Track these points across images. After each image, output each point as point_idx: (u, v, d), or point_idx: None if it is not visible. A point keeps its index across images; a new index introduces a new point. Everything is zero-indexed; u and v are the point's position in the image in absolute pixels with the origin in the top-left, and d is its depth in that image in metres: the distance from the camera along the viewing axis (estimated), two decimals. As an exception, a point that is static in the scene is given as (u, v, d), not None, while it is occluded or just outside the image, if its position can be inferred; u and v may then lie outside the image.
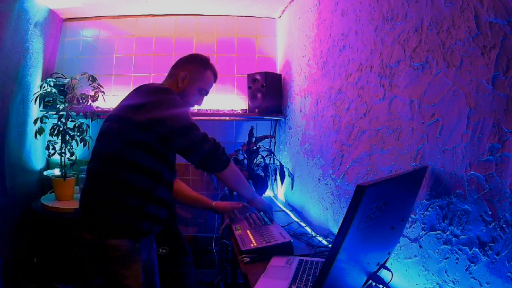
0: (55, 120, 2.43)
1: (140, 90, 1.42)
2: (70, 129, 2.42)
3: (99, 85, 2.49)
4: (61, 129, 2.39)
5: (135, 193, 1.33)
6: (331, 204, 1.83)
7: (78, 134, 2.44)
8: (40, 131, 2.38)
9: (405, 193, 0.95)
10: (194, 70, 1.55)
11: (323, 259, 0.82)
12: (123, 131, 1.34)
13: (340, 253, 0.72)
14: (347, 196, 1.67)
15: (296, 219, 2.09)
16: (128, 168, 1.32)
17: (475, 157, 0.93)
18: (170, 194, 1.51)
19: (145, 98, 1.36)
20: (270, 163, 2.74)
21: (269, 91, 2.76)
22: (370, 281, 1.00)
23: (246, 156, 2.57)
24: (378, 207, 0.78)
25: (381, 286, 1.03)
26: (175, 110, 1.36)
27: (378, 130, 1.40)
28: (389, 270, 1.05)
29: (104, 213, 1.33)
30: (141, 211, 1.35)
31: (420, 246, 1.13)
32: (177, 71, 1.56)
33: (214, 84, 1.64)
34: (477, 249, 0.91)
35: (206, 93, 1.60)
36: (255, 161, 2.59)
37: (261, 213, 1.77)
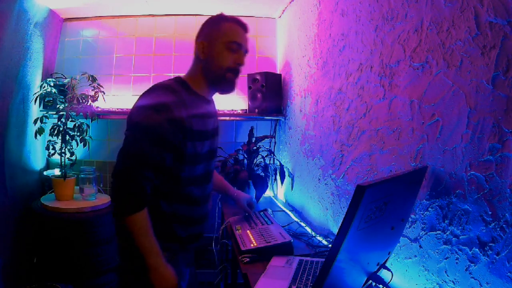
0: (55, 120, 2.43)
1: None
2: (70, 129, 2.42)
3: (99, 85, 2.49)
4: (61, 129, 2.39)
5: (156, 216, 1.21)
6: (331, 204, 1.83)
7: (78, 134, 2.44)
8: (40, 131, 2.38)
9: (405, 193, 0.95)
10: (210, 32, 1.30)
11: (323, 259, 0.82)
12: None
13: (340, 253, 0.72)
14: (347, 196, 1.67)
15: (296, 219, 2.09)
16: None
17: (475, 157, 0.93)
18: (198, 209, 1.34)
19: (135, 108, 1.22)
20: (270, 163, 2.74)
21: (269, 91, 2.76)
22: (370, 281, 1.00)
23: (246, 156, 2.57)
24: (378, 207, 0.78)
25: (381, 286, 1.03)
26: (136, 126, 1.16)
27: (378, 130, 1.40)
28: (389, 270, 1.05)
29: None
30: (166, 233, 1.26)
31: (420, 246, 1.13)
32: (195, 46, 1.31)
33: (247, 35, 1.33)
34: (477, 249, 0.91)
35: (239, 45, 1.28)
36: (255, 161, 2.59)
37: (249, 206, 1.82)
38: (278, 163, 2.67)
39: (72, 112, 2.40)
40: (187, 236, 1.32)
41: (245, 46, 1.32)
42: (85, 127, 2.47)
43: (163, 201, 1.24)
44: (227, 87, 1.31)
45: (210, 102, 1.38)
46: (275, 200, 2.75)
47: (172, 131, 1.16)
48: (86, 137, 2.46)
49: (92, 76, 2.46)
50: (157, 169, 1.16)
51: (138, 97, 1.24)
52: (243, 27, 1.32)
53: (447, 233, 1.02)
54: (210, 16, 1.35)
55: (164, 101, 1.16)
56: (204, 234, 1.45)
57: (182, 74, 1.36)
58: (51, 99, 2.56)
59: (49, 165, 2.83)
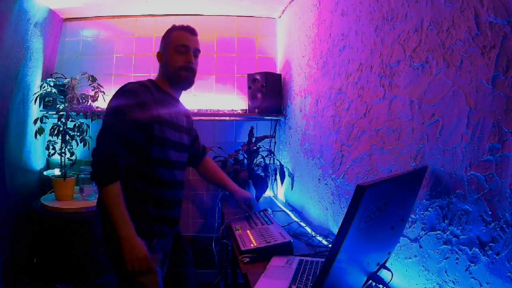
0: (55, 120, 2.43)
1: None
2: (70, 129, 2.42)
3: (99, 85, 2.49)
4: (61, 129, 2.39)
5: (132, 195, 1.38)
6: (331, 204, 1.83)
7: (78, 134, 2.44)
8: (40, 131, 2.38)
9: (405, 193, 0.95)
10: (162, 43, 1.54)
11: (323, 259, 0.82)
12: None
13: (340, 253, 0.72)
14: (347, 196, 1.67)
15: (296, 219, 2.09)
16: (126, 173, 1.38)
17: (475, 157, 0.93)
18: (169, 192, 1.49)
19: (109, 100, 1.43)
20: (270, 163, 2.74)
21: (269, 91, 2.76)
22: (370, 281, 1.00)
23: (246, 156, 2.57)
24: (378, 207, 0.78)
25: (381, 286, 1.03)
26: (109, 111, 1.37)
27: (378, 130, 1.40)
28: (389, 270, 1.05)
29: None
30: (139, 211, 1.39)
31: (420, 246, 1.13)
32: (157, 53, 1.56)
33: (195, 37, 1.54)
34: (477, 249, 0.91)
35: (186, 48, 1.49)
36: (255, 161, 2.59)
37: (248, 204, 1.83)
38: (278, 163, 2.67)
39: (72, 112, 2.40)
40: (160, 216, 1.44)
41: (193, 47, 1.51)
42: (85, 127, 2.47)
43: (138, 182, 1.40)
44: (184, 83, 1.53)
45: (178, 101, 1.58)
46: (275, 200, 2.75)
47: (141, 112, 1.35)
48: (86, 137, 2.46)
49: (92, 76, 2.46)
50: (129, 147, 1.33)
51: (116, 90, 1.43)
52: (190, 31, 1.52)
53: (447, 233, 1.02)
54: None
55: (134, 89, 1.38)
56: (179, 221, 1.58)
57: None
58: (51, 99, 2.57)
59: (49, 165, 2.83)
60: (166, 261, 1.57)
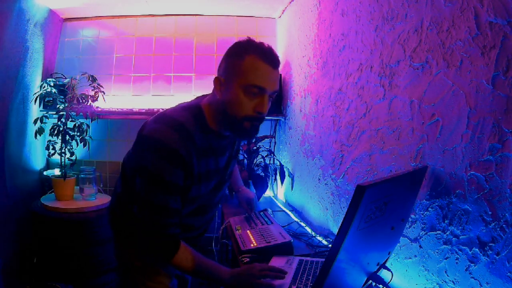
0: (55, 120, 2.43)
1: (137, 138, 1.14)
2: (70, 129, 2.42)
3: (99, 85, 2.49)
4: (61, 129, 2.39)
5: None
6: (331, 204, 1.83)
7: (78, 134, 2.44)
8: (40, 131, 2.38)
9: (405, 193, 0.95)
10: (229, 66, 1.07)
11: (323, 259, 0.82)
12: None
13: (340, 253, 0.72)
14: (347, 196, 1.67)
15: (296, 219, 2.09)
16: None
17: (475, 157, 0.93)
18: (196, 231, 1.32)
19: (132, 153, 1.17)
20: (270, 163, 2.74)
21: (269, 91, 2.75)
22: (370, 281, 1.00)
23: (246, 156, 2.57)
24: (378, 207, 0.78)
25: (381, 286, 1.03)
26: (149, 176, 1.04)
27: (378, 130, 1.40)
28: (389, 270, 1.05)
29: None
30: None
31: (420, 246, 1.13)
32: (215, 78, 1.10)
33: (275, 73, 1.08)
34: (477, 249, 0.91)
35: (261, 89, 1.04)
36: (255, 161, 2.59)
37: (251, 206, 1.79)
38: (278, 163, 2.67)
39: (72, 112, 2.40)
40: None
41: (270, 89, 1.06)
42: (85, 127, 2.47)
43: None
44: (244, 136, 1.13)
45: (225, 137, 1.19)
46: (275, 200, 2.75)
47: (184, 178, 1.06)
48: (86, 137, 2.46)
49: (92, 76, 2.46)
50: (176, 213, 1.10)
51: (150, 123, 1.10)
52: (272, 63, 1.06)
53: (447, 233, 1.02)
54: (238, 42, 1.10)
55: (175, 150, 1.02)
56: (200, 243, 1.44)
57: (205, 93, 1.21)
58: (51, 99, 2.57)
59: (49, 165, 2.83)
60: (186, 278, 1.50)
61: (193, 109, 1.12)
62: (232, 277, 1.16)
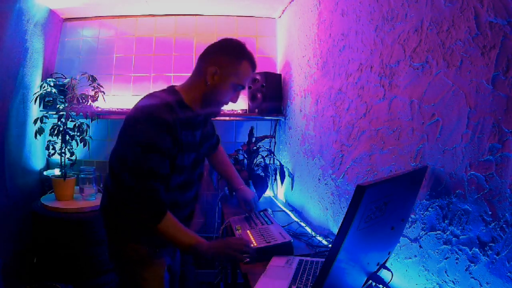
0: (55, 120, 2.43)
1: (123, 124, 1.29)
2: (70, 129, 2.42)
3: (99, 85, 2.49)
4: (61, 129, 2.39)
5: None
6: (331, 204, 1.83)
7: (78, 134, 2.44)
8: (40, 131, 2.38)
9: (405, 193, 0.95)
10: (226, 63, 1.30)
11: (323, 259, 0.82)
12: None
13: (340, 253, 0.72)
14: (347, 196, 1.67)
15: (296, 219, 2.09)
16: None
17: (475, 157, 0.93)
18: (181, 210, 1.38)
19: (123, 128, 1.28)
20: (270, 163, 2.74)
21: (269, 91, 2.76)
22: (370, 281, 1.00)
23: (246, 156, 2.57)
24: (378, 207, 0.78)
25: (381, 286, 1.03)
26: (139, 143, 1.19)
27: (378, 130, 1.40)
28: (389, 270, 1.05)
29: (120, 219, 1.33)
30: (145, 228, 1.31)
31: (420, 246, 1.13)
32: (205, 65, 1.31)
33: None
34: (477, 249, 0.91)
35: (243, 88, 1.37)
36: (255, 161, 2.59)
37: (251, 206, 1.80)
38: (278, 163, 2.67)
39: (72, 112, 2.40)
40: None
41: (245, 87, 1.42)
42: (85, 127, 2.47)
43: None
44: (214, 114, 1.42)
45: (201, 115, 1.40)
46: (275, 200, 2.75)
47: (172, 143, 1.22)
48: (86, 137, 2.46)
49: (92, 76, 2.46)
50: (167, 179, 1.24)
51: (133, 108, 1.27)
52: (254, 69, 1.38)
53: (447, 233, 1.02)
54: (233, 42, 1.38)
55: (162, 117, 1.20)
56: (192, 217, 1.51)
57: (177, 84, 1.41)
58: (51, 99, 2.56)
59: (49, 165, 2.83)
60: (176, 264, 1.56)
61: (169, 91, 1.34)
62: (210, 248, 1.26)
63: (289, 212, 2.29)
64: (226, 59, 1.31)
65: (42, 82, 2.53)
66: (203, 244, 1.25)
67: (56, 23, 2.84)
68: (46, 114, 2.54)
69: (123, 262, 1.35)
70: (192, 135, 1.35)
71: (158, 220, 1.20)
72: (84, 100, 2.46)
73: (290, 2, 2.69)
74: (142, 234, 1.30)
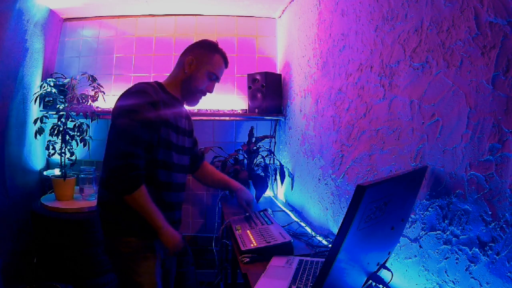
0: (55, 120, 2.43)
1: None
2: (70, 129, 2.42)
3: (99, 85, 2.49)
4: (61, 129, 2.39)
5: None
6: (331, 204, 1.83)
7: (78, 134, 2.44)
8: (40, 131, 2.38)
9: (405, 193, 0.95)
10: (201, 54, 1.53)
11: (323, 259, 0.82)
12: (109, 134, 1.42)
13: (340, 253, 0.71)
14: (347, 196, 1.67)
15: (296, 219, 2.09)
16: None
17: (475, 157, 0.93)
18: (171, 194, 1.48)
19: (117, 101, 1.41)
20: (270, 163, 2.74)
21: (269, 91, 2.76)
22: (370, 281, 1.00)
23: (246, 156, 2.57)
24: (378, 207, 0.78)
25: (381, 286, 1.03)
26: (122, 112, 1.34)
27: (378, 130, 1.40)
28: (389, 270, 1.05)
29: (114, 212, 1.40)
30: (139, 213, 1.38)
31: (420, 246, 1.13)
32: (183, 57, 1.54)
33: (225, 69, 1.60)
34: (477, 249, 0.91)
35: (216, 78, 1.56)
36: (255, 161, 2.59)
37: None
38: (278, 163, 2.67)
39: (72, 112, 2.40)
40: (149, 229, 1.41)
41: (219, 78, 1.58)
42: (85, 127, 2.47)
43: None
44: (192, 102, 1.58)
45: (182, 104, 1.58)
46: (275, 200, 2.75)
47: (153, 112, 1.35)
48: (86, 137, 2.46)
49: (92, 76, 2.46)
50: (147, 148, 1.33)
51: (123, 92, 1.42)
52: (226, 65, 1.59)
53: (447, 233, 1.02)
54: (208, 40, 1.60)
55: (144, 89, 1.37)
56: (180, 223, 1.59)
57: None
58: (51, 99, 2.57)
59: (49, 165, 2.83)
60: (172, 261, 1.60)
61: (151, 81, 1.50)
62: (166, 232, 1.36)
63: (289, 212, 2.29)
64: (201, 51, 1.54)
65: (42, 82, 2.53)
66: (165, 227, 1.36)
67: (56, 23, 2.84)
68: (46, 114, 2.54)
69: (116, 255, 1.40)
70: (174, 118, 1.48)
71: (132, 189, 1.28)
72: (84, 100, 2.46)
73: (290, 2, 2.69)
74: (134, 225, 1.35)
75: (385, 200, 0.80)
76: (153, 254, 1.41)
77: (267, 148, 2.78)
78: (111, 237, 1.40)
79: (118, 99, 1.40)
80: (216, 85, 1.62)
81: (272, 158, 2.90)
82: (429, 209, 1.09)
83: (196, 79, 1.51)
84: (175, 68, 1.58)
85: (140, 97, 1.35)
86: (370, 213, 0.75)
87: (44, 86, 2.47)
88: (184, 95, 1.54)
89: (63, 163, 2.41)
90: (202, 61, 1.51)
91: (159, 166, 1.41)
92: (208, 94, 1.58)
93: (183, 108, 1.61)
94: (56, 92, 2.51)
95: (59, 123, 2.39)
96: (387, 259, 1.07)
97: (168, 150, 1.43)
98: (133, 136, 1.30)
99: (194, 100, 1.57)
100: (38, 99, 2.42)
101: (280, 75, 2.91)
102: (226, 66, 1.60)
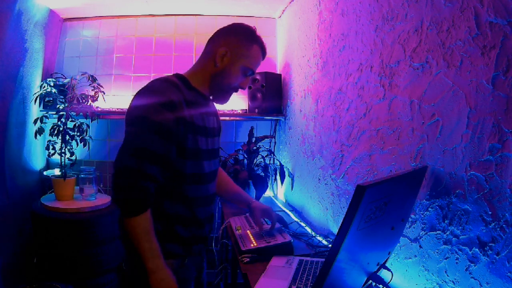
0: (55, 120, 2.43)
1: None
2: (70, 129, 2.42)
3: (99, 85, 2.49)
4: (61, 129, 2.39)
5: (158, 216, 1.18)
6: (331, 204, 1.83)
7: (78, 134, 2.44)
8: (40, 131, 2.38)
9: (405, 193, 0.95)
10: (237, 45, 1.25)
11: (323, 259, 0.82)
12: None
13: (340, 253, 0.72)
14: (347, 196, 1.67)
15: (296, 219, 2.09)
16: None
17: (475, 157, 0.93)
18: (202, 209, 1.27)
19: (131, 101, 1.18)
20: (270, 163, 2.74)
21: (269, 91, 2.76)
22: (370, 281, 1.00)
23: (246, 156, 2.57)
24: (378, 207, 0.78)
25: (381, 286, 1.03)
26: (134, 119, 1.11)
27: (378, 130, 1.40)
28: (389, 270, 1.05)
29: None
30: (168, 234, 1.21)
31: (420, 246, 1.13)
32: (214, 47, 1.27)
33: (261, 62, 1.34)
34: (477, 249, 0.91)
35: (252, 73, 1.30)
36: (255, 161, 2.59)
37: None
38: (278, 163, 2.67)
39: (72, 112, 2.40)
40: (191, 236, 1.25)
41: (255, 73, 1.35)
42: (85, 127, 2.47)
43: (166, 201, 1.19)
44: (222, 100, 1.33)
45: (209, 100, 1.34)
46: (275, 200, 2.75)
47: (175, 122, 1.11)
48: (86, 137, 2.46)
49: (92, 76, 2.46)
50: (162, 164, 1.11)
51: (136, 92, 1.19)
52: (264, 56, 1.32)
53: (447, 233, 1.02)
54: (244, 26, 1.31)
55: (165, 93, 1.12)
56: (210, 235, 1.39)
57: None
58: (51, 99, 2.57)
59: (49, 165, 2.83)
60: (202, 273, 1.45)
61: (174, 75, 1.27)
62: (160, 278, 1.10)
63: (289, 212, 2.29)
64: (237, 41, 1.26)
65: (42, 82, 2.53)
66: (162, 267, 1.10)
67: (56, 23, 2.84)
68: (46, 114, 2.54)
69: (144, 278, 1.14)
70: (201, 119, 1.24)
71: (133, 213, 1.06)
72: (84, 100, 2.46)
73: (290, 2, 2.69)
74: (168, 245, 1.18)
75: (385, 200, 0.80)
76: (188, 276, 1.26)
77: (267, 148, 2.78)
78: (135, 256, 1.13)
79: (133, 98, 1.16)
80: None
81: (272, 158, 2.90)
82: (429, 209, 1.09)
83: (230, 76, 1.25)
84: (202, 57, 1.31)
85: (157, 99, 1.10)
86: (370, 213, 0.75)
87: (44, 86, 2.47)
88: (213, 92, 1.29)
89: (63, 163, 2.41)
90: (237, 54, 1.24)
91: (188, 182, 1.20)
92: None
93: (212, 105, 1.36)
94: (56, 92, 2.51)
95: (59, 123, 2.39)
96: (387, 259, 1.07)
97: (198, 160, 1.21)
98: (144, 150, 1.07)
99: (225, 98, 1.32)
100: (38, 99, 2.42)
101: (280, 75, 2.91)
102: (264, 57, 1.33)
